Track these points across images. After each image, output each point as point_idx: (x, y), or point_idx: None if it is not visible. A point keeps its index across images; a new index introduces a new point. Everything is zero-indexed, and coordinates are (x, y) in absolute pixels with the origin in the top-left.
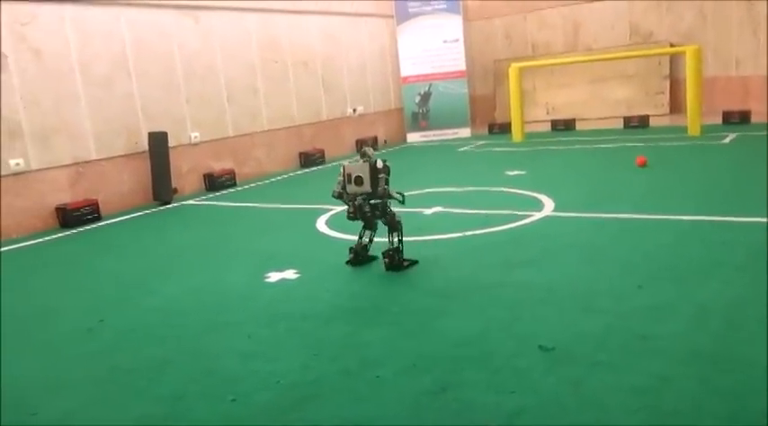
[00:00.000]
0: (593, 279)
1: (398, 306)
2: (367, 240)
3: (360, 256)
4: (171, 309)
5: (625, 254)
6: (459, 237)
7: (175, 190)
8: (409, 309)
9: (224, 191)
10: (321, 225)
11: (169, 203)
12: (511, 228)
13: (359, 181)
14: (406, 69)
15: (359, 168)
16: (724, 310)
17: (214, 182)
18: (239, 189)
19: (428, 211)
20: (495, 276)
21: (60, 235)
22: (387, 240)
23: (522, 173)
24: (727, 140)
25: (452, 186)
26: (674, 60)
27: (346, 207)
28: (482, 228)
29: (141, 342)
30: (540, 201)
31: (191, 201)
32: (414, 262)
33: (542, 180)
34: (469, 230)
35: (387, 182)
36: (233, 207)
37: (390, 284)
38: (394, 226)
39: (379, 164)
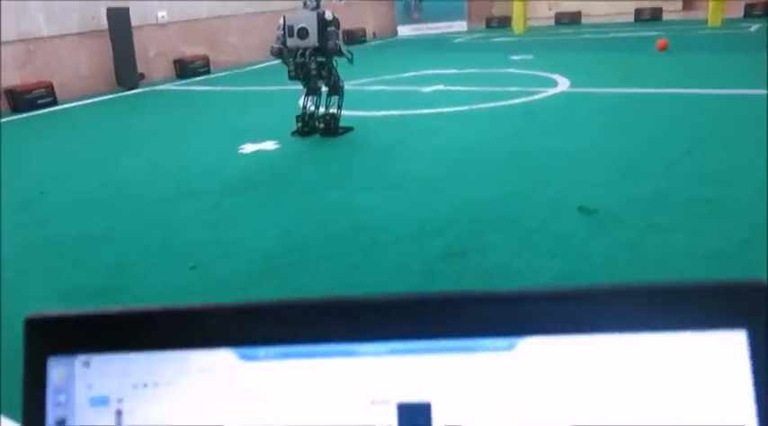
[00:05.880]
0: (632, 147)
1: (398, 172)
2: (313, 107)
3: (307, 126)
4: (126, 181)
5: (663, 124)
6: (466, 110)
7: (141, 76)
8: (412, 175)
9: (197, 78)
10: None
11: (135, 88)
12: (523, 102)
13: (303, 33)
14: None
15: (303, 18)
16: None
17: (186, 68)
18: (214, 76)
19: (427, 89)
20: (511, 145)
21: (11, 118)
22: (325, 106)
23: (529, 57)
24: (752, 29)
25: (452, 68)
26: None
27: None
28: (490, 102)
29: (86, 214)
30: (554, 80)
31: (160, 87)
32: (348, 129)
33: (553, 63)
34: (476, 104)
35: (338, 36)
36: (207, 91)
37: (388, 152)
38: (336, 90)
39: (329, 15)
